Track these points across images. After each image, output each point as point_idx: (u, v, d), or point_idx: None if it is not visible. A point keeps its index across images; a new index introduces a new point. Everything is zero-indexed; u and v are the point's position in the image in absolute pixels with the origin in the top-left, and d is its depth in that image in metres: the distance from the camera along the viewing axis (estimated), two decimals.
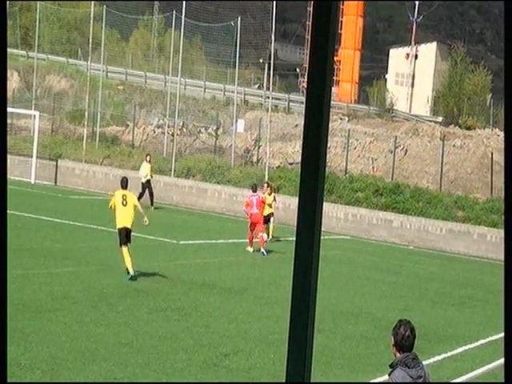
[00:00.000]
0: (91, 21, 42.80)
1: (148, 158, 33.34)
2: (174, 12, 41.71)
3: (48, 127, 44.15)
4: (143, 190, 32.70)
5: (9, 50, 46.52)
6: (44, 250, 19.44)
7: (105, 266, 18.53)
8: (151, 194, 32.93)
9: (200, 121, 46.50)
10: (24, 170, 36.38)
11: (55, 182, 37.08)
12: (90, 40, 43.25)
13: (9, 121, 44.89)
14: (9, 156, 39.20)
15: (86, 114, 43.17)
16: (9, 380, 5.10)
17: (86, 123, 42.60)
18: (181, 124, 43.86)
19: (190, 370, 11.22)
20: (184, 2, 40.29)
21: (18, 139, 42.64)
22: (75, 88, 49.61)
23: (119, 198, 17.55)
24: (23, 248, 19.37)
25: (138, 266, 19.28)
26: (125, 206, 17.48)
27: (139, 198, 32.92)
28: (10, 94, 46.73)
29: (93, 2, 43.58)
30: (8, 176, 28.19)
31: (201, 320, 14.35)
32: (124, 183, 18.09)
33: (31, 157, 36.89)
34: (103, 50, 44.59)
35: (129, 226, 17.65)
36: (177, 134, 41.16)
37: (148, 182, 33.00)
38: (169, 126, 42.59)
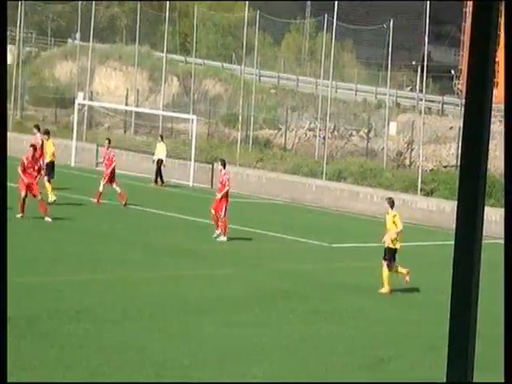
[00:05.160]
0: (245, 25, 43.57)
1: (160, 139, 36.47)
2: (326, 15, 41.80)
3: (204, 131, 45.24)
4: (159, 169, 35.16)
5: (169, 55, 48.09)
6: (205, 252, 19.94)
7: (259, 268, 18.79)
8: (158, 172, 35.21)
9: (351, 124, 46.32)
10: (183, 173, 37.45)
11: (211, 185, 37.93)
12: (244, 44, 44.03)
13: (169, 125, 46.46)
14: (169, 159, 40.41)
15: (240, 117, 43.96)
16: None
17: (239, 127, 43.40)
18: (332, 127, 43.88)
19: (345, 373, 11.20)
20: (336, 3, 40.24)
21: (177, 143, 43.91)
22: (229, 92, 50.58)
23: None
24: (183, 249, 19.97)
25: (291, 268, 19.45)
26: None
27: (161, 178, 34.86)
28: (170, 98, 48.33)
29: (247, 6, 44.27)
30: (169, 179, 28.94)
31: (356, 322, 14.31)
32: None
33: (189, 160, 37.94)
34: (256, 55, 45.26)
35: None
36: (328, 137, 41.21)
37: (161, 161, 35.21)
38: (320, 129, 42.72)
